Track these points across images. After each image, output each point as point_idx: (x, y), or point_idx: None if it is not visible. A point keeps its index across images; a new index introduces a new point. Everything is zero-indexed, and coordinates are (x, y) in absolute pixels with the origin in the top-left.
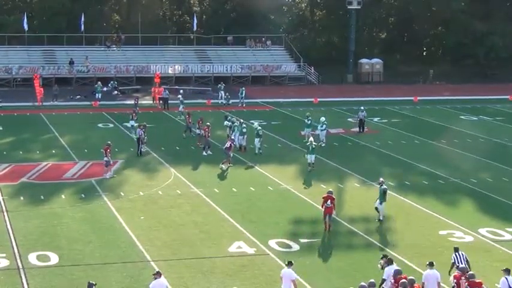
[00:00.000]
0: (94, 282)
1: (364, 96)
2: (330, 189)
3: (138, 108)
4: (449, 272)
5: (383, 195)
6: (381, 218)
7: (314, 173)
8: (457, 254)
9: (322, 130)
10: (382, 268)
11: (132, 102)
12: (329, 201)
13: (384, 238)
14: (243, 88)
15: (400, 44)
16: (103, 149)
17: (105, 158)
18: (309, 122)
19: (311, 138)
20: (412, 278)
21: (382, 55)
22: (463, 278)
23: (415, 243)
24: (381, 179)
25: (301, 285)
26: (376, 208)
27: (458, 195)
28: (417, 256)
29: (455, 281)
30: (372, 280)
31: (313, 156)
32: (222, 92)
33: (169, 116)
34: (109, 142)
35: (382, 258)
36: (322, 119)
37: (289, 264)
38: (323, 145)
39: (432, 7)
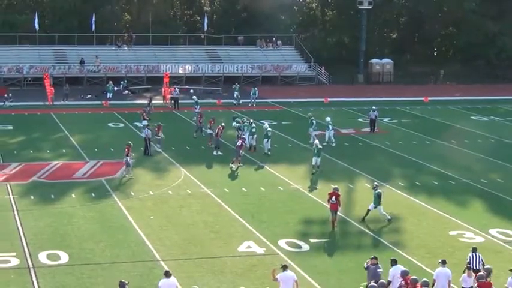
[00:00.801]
0: (126, 281)
1: (375, 96)
2: (336, 186)
3: (153, 107)
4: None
5: (377, 199)
6: (389, 218)
7: (324, 173)
8: (473, 254)
9: (329, 130)
10: (366, 268)
11: (144, 101)
12: (333, 197)
13: (393, 238)
14: (256, 88)
15: (411, 44)
16: (125, 149)
17: (127, 158)
18: (313, 122)
19: (316, 141)
20: (416, 277)
21: (393, 55)
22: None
23: (425, 244)
24: (375, 183)
25: (311, 285)
26: (368, 210)
27: (468, 196)
28: (427, 257)
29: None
30: (382, 280)
31: (319, 158)
32: (237, 93)
33: (179, 115)
34: (129, 142)
35: (371, 258)
36: (328, 119)
37: (285, 268)
38: (333, 145)
39: (443, 7)
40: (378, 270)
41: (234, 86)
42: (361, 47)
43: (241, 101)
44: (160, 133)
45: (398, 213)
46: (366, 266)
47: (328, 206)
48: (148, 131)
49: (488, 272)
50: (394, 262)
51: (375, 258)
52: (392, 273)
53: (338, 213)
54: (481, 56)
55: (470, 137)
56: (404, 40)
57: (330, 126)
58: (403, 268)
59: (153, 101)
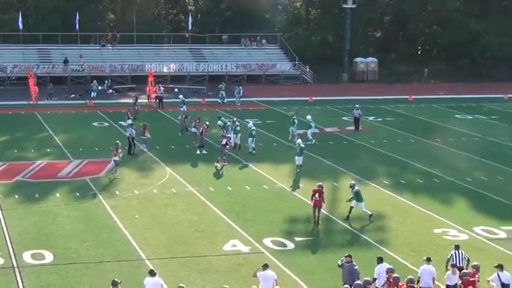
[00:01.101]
0: (119, 280)
1: (359, 95)
2: (320, 183)
3: (138, 106)
4: (445, 268)
5: (357, 196)
6: (370, 213)
7: (309, 171)
8: (456, 251)
9: (311, 128)
10: (341, 266)
11: (129, 100)
12: (317, 194)
13: (378, 236)
14: (240, 87)
15: (395, 43)
16: (113, 148)
17: (115, 158)
18: (295, 120)
19: (298, 140)
20: (397, 276)
21: (377, 54)
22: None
23: (410, 241)
24: (352, 182)
25: (296, 284)
26: (351, 208)
27: (453, 194)
28: (412, 254)
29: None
30: (367, 278)
31: (301, 158)
32: (223, 92)
33: (164, 114)
34: (118, 141)
35: (345, 256)
36: (308, 117)
37: (266, 266)
38: (316, 143)
39: (428, 6)
40: (355, 267)
41: (221, 85)
42: (345, 45)
43: (225, 100)
44: (146, 133)
45: (383, 211)
46: (340, 263)
47: (311, 203)
48: (133, 130)
49: (477, 268)
50: (380, 260)
51: (349, 256)
52: (378, 271)
53: (322, 211)
54: (465, 54)
55: (455, 135)
56: (388, 39)
57: (312, 125)
58: (389, 266)
59: (138, 100)
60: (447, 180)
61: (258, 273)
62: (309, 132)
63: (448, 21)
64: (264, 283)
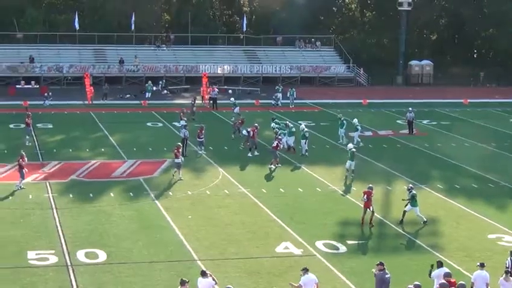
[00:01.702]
0: (187, 280)
1: (414, 98)
2: (370, 185)
3: (195, 107)
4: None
5: (413, 201)
6: (425, 220)
7: (362, 174)
8: (511, 258)
9: (357, 132)
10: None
11: (183, 101)
12: (365, 196)
13: (431, 241)
14: (294, 89)
15: (451, 46)
16: (174, 151)
17: (177, 160)
18: (344, 122)
19: (350, 144)
20: (445, 282)
21: (433, 57)
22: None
23: (464, 247)
24: (410, 185)
25: (347, 287)
26: (404, 212)
27: (508, 199)
28: (466, 260)
29: None
30: (417, 283)
31: (353, 162)
32: (280, 95)
33: (218, 115)
34: (179, 143)
35: (377, 264)
36: (355, 120)
37: (306, 270)
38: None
39: (484, 9)
40: (386, 275)
41: (277, 87)
42: (400, 48)
43: (280, 102)
44: (202, 135)
45: (437, 216)
46: (375, 272)
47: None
48: (186, 131)
49: None
50: (440, 264)
51: (382, 264)
52: (436, 275)
53: (376, 214)
54: None
55: (510, 139)
56: (444, 42)
57: (359, 128)
58: (447, 270)
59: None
60: (502, 185)
61: (300, 280)
62: (355, 135)
63: (505, 24)
64: (305, 287)
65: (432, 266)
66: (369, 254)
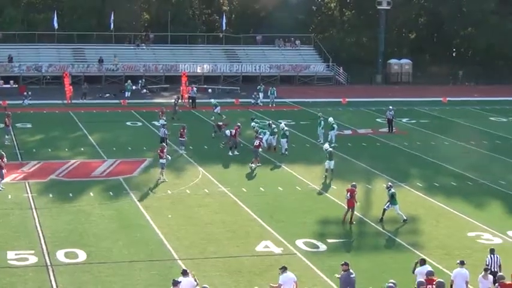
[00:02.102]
0: (179, 280)
1: (393, 96)
2: (354, 183)
3: (178, 107)
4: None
5: (392, 199)
6: (405, 218)
7: (342, 173)
8: (491, 256)
9: (331, 130)
10: (338, 277)
11: (163, 100)
12: (349, 193)
13: (411, 239)
14: (274, 88)
15: (430, 45)
16: (158, 151)
17: (161, 160)
18: (321, 122)
19: (325, 145)
20: (422, 280)
21: (412, 56)
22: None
23: (443, 245)
24: (389, 183)
25: (328, 286)
26: (384, 210)
27: (487, 197)
28: (446, 258)
29: None
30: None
31: (332, 162)
32: (261, 93)
33: (197, 115)
34: (163, 144)
35: (342, 264)
36: (331, 119)
37: (285, 269)
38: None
39: (463, 8)
40: (351, 276)
41: (259, 86)
42: (379, 47)
43: (259, 101)
44: (184, 135)
45: (417, 214)
46: (338, 276)
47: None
48: (165, 130)
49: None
50: (423, 262)
51: (347, 264)
52: (420, 273)
53: (355, 212)
54: (501, 56)
55: (489, 138)
56: (423, 40)
57: (335, 126)
58: (430, 269)
59: (170, 100)
60: (481, 183)
61: (279, 280)
62: (332, 133)
63: (483, 23)
64: (284, 286)
65: (416, 263)
66: (348, 253)
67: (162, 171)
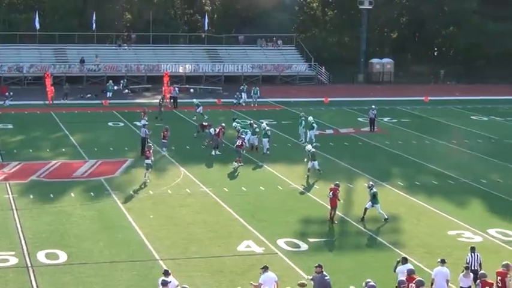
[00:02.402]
0: (169, 280)
1: (375, 96)
2: (337, 182)
3: (163, 107)
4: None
5: (373, 198)
6: (386, 217)
7: (324, 172)
8: (472, 254)
9: (311, 130)
10: (311, 279)
11: (145, 101)
12: (331, 192)
13: (392, 238)
14: (257, 88)
15: (411, 44)
16: (146, 151)
17: (147, 161)
18: (303, 122)
19: (308, 146)
20: (403, 279)
21: (393, 55)
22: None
23: (424, 243)
24: (371, 183)
25: (310, 285)
26: (366, 209)
27: (468, 196)
28: (427, 256)
29: (499, 278)
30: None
31: (315, 162)
32: (245, 94)
33: (179, 115)
34: (150, 144)
35: (315, 266)
36: (310, 118)
37: (266, 268)
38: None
39: (444, 7)
40: (326, 278)
41: (242, 86)
42: (361, 46)
43: (241, 101)
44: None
45: (398, 213)
46: (310, 277)
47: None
48: (146, 130)
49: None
50: (405, 260)
51: (320, 266)
52: (401, 271)
53: (337, 212)
54: (482, 56)
55: (470, 136)
56: (404, 40)
57: (315, 126)
58: (411, 267)
59: (152, 100)
60: (462, 182)
61: (260, 279)
62: (311, 133)
63: (465, 23)
64: (264, 285)
65: (398, 261)
66: (330, 252)
67: (146, 172)
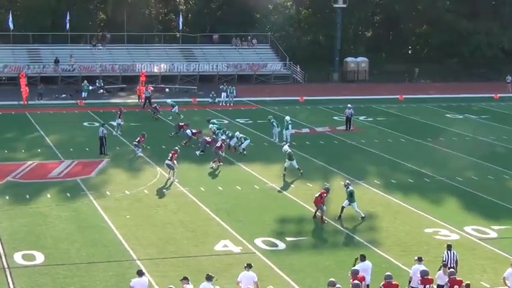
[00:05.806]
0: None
1: (350, 94)
2: (327, 185)
3: (159, 106)
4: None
5: (350, 197)
6: (363, 215)
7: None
8: (448, 252)
9: (288, 129)
10: None
11: (120, 101)
12: (318, 193)
13: (369, 236)
14: (233, 87)
15: (386, 43)
16: (170, 153)
17: (171, 163)
18: (273, 123)
19: (285, 147)
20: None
21: (368, 54)
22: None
23: (401, 241)
24: (347, 181)
25: (288, 284)
26: (342, 207)
27: (444, 194)
28: (403, 254)
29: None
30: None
31: (294, 162)
32: (225, 94)
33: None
34: (177, 148)
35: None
36: (287, 118)
37: (249, 266)
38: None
39: (418, 6)
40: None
41: (222, 86)
42: (336, 45)
43: (217, 100)
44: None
45: (374, 211)
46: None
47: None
48: (104, 129)
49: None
50: (363, 257)
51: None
52: (362, 268)
53: (313, 210)
54: (456, 54)
55: (445, 134)
56: (379, 38)
57: (290, 126)
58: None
59: (127, 100)
60: (438, 179)
61: (239, 277)
62: (287, 133)
63: (438, 21)
64: (244, 283)
65: (356, 259)
66: (307, 251)
67: (172, 172)
